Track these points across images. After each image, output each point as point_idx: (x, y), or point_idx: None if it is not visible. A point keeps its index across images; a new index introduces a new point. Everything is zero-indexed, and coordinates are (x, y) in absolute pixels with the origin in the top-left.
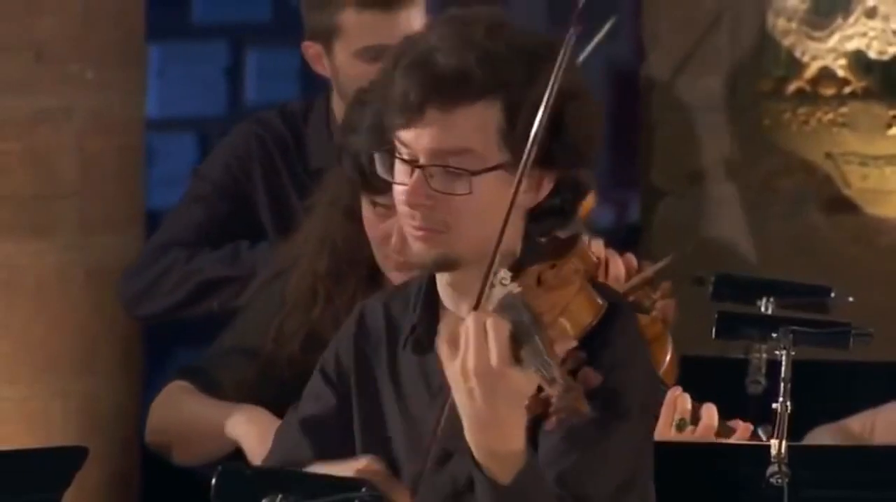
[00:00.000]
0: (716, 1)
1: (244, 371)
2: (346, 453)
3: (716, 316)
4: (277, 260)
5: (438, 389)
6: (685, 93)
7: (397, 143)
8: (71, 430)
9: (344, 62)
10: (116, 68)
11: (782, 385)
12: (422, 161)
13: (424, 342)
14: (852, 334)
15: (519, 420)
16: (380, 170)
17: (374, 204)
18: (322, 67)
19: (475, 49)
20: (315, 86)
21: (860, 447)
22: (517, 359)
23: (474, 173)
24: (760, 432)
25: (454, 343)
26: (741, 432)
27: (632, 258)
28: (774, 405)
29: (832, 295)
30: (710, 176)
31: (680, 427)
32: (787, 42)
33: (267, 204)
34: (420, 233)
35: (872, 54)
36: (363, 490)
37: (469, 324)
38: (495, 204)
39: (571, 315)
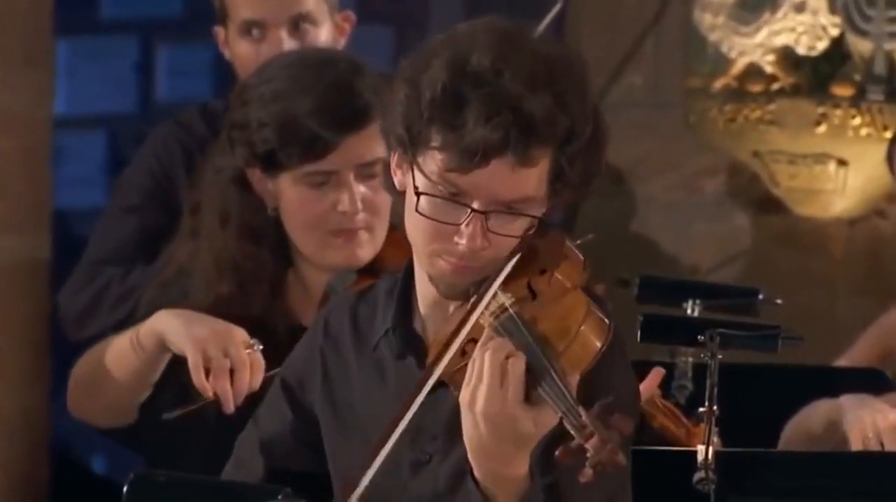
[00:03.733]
0: None
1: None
2: (303, 468)
3: (640, 318)
4: (161, 281)
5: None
6: (609, 90)
7: (437, 178)
8: None
9: (233, 41)
10: (23, 65)
11: (709, 389)
12: (477, 206)
13: (399, 347)
14: (781, 337)
15: (524, 454)
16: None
17: (311, 175)
18: (227, 52)
19: (551, 88)
20: (228, 81)
21: (789, 453)
22: (531, 397)
23: (542, 218)
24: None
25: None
26: (652, 378)
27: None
28: (701, 409)
29: (760, 297)
30: (634, 175)
31: None
32: (713, 37)
33: None
34: (461, 268)
35: (801, 50)
36: (280, 497)
37: (487, 358)
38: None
39: (580, 344)
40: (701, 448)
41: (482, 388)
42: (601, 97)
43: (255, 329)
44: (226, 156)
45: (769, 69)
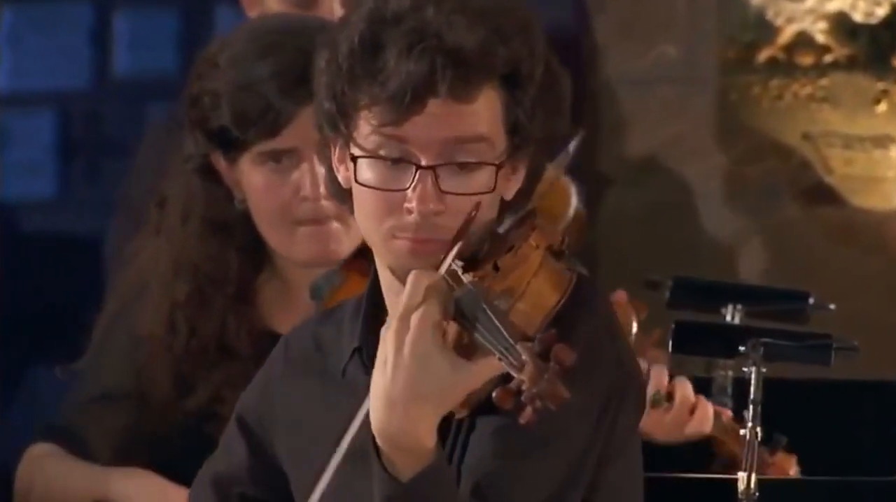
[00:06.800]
0: None
1: (109, 420)
2: None
3: (673, 326)
4: (121, 289)
5: None
6: (636, 63)
7: (374, 142)
8: None
9: None
10: None
11: (751, 407)
12: (424, 161)
13: (368, 368)
14: (834, 348)
15: (431, 410)
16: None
17: (271, 156)
18: (253, 10)
19: (485, 20)
20: (197, 54)
21: (839, 480)
22: (469, 347)
23: (499, 166)
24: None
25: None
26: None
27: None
28: (742, 431)
29: (810, 301)
30: (665, 161)
31: (655, 402)
32: (756, 1)
33: None
34: (420, 244)
35: (858, 17)
36: None
37: (408, 283)
38: (496, 198)
39: (531, 298)
40: (742, 475)
41: (399, 313)
42: (627, 70)
43: (214, 338)
44: (191, 143)
45: (821, 39)
